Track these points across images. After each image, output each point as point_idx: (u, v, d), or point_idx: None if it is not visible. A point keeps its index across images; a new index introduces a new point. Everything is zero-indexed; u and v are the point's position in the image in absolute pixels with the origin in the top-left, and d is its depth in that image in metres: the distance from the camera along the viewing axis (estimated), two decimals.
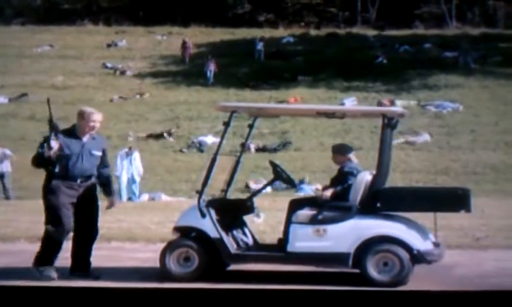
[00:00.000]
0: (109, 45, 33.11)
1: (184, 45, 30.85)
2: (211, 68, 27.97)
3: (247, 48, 31.18)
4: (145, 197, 16.24)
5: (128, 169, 15.84)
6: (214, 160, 6.50)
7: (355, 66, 27.66)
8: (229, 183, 6.88)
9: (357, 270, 6.31)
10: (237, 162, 6.92)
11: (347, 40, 33.30)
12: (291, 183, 6.83)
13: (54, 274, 6.35)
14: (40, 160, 6.29)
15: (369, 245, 6.23)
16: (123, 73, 29.27)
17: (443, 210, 6.44)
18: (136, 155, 16.21)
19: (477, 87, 25.77)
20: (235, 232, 6.64)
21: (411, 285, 6.21)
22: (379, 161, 6.48)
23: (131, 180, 15.90)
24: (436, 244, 6.48)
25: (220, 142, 6.60)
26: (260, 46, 30.73)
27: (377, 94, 25.59)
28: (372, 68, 27.82)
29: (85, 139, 6.46)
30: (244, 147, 7.05)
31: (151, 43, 33.97)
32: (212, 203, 6.54)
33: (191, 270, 6.37)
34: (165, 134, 22.59)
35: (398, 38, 32.62)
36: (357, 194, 6.43)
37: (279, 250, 6.40)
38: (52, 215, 6.33)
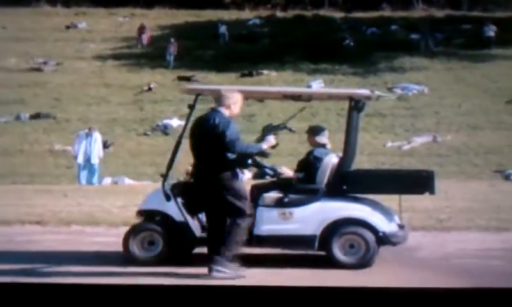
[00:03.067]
0: (68, 27, 32.30)
1: (142, 29, 29.93)
2: (171, 51, 27.30)
3: (212, 30, 30.84)
4: (108, 181, 15.76)
5: (86, 150, 15.09)
6: (178, 143, 6.42)
7: (322, 49, 27.62)
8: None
9: (323, 253, 6.32)
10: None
11: (314, 22, 33.19)
12: (258, 166, 6.75)
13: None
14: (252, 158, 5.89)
15: (335, 228, 6.25)
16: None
17: (408, 192, 6.49)
18: (97, 136, 15.46)
19: (442, 69, 26.06)
20: (200, 215, 6.56)
21: (375, 267, 6.23)
22: (346, 144, 6.50)
23: (89, 164, 15.14)
24: (401, 226, 6.52)
25: (185, 125, 6.51)
26: (223, 29, 30.22)
27: (344, 76, 25.67)
28: (339, 51, 27.81)
29: None
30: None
31: (112, 25, 33.23)
32: (177, 187, 6.44)
33: (155, 254, 6.30)
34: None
35: (365, 20, 32.65)
36: (323, 176, 6.44)
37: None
38: (242, 203, 5.85)
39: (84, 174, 15.32)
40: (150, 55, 28.82)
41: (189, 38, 29.65)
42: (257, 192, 6.47)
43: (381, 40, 29.29)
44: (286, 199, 6.30)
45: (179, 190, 6.40)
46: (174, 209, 6.27)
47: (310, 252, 6.38)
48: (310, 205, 6.28)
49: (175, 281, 5.60)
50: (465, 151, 19.20)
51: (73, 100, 23.91)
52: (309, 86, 23.46)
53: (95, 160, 15.32)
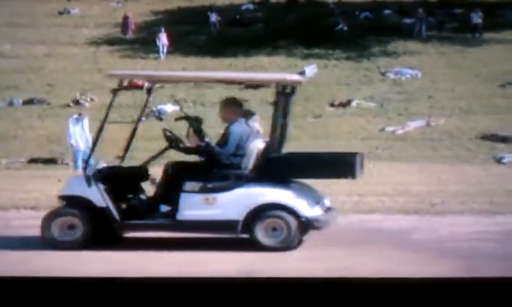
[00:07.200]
0: (60, 13, 32.21)
1: (126, 20, 29.45)
2: (163, 41, 26.90)
3: (205, 16, 30.64)
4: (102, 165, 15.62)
5: (82, 136, 14.92)
6: (101, 128, 6.47)
7: (315, 33, 27.40)
8: (126, 150, 6.84)
9: (246, 236, 6.32)
10: (134, 129, 6.87)
11: (308, 7, 32.75)
12: (184, 151, 6.77)
13: None
14: None
15: (258, 212, 6.25)
16: None
17: (330, 177, 6.49)
18: (86, 122, 15.23)
19: (435, 53, 25.78)
20: (128, 200, 6.57)
21: (368, 250, 6.23)
22: (272, 129, 6.48)
23: (87, 148, 15.22)
24: (328, 209, 6.48)
25: (108, 110, 6.56)
26: (213, 18, 29.60)
27: (338, 61, 25.51)
28: (333, 35, 27.60)
29: None
30: (142, 113, 7.02)
31: (106, 10, 32.98)
32: (103, 171, 6.46)
33: (74, 239, 6.33)
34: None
35: (358, 4, 32.19)
36: (249, 161, 6.41)
37: (168, 218, 6.37)
38: None
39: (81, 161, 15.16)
40: (143, 40, 28.71)
41: (182, 24, 29.52)
42: (173, 173, 6.46)
43: (374, 25, 28.97)
44: (210, 185, 6.31)
45: (106, 175, 6.42)
46: (96, 195, 6.28)
47: (233, 235, 6.38)
48: (234, 191, 6.29)
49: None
50: (458, 135, 19.04)
51: (66, 85, 23.98)
52: (303, 71, 23.30)
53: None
